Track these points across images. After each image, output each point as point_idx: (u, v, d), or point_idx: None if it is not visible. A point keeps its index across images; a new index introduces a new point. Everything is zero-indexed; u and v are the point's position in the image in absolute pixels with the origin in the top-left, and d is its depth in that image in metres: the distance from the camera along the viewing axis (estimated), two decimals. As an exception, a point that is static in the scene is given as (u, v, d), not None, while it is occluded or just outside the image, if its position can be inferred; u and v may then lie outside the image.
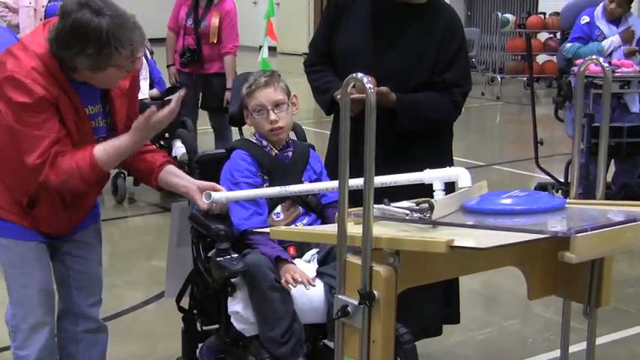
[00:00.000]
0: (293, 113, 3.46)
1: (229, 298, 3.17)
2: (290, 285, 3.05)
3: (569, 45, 6.83)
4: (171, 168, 3.23)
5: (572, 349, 3.00)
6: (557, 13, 12.72)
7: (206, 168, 3.48)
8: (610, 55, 6.70)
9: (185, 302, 3.50)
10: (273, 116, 3.35)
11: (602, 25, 6.79)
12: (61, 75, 2.83)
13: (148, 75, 7.39)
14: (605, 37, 6.75)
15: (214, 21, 7.21)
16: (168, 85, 7.63)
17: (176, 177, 3.21)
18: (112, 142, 2.94)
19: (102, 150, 2.89)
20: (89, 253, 3.25)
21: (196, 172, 3.47)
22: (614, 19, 6.81)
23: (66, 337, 3.30)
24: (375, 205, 2.30)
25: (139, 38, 2.78)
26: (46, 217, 3.03)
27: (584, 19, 6.81)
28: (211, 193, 3.13)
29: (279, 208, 3.35)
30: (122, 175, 7.05)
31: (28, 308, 3.09)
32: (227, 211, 3.28)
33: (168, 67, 7.55)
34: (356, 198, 2.32)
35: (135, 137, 2.93)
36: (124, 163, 3.28)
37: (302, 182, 3.36)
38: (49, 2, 7.15)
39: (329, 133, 3.93)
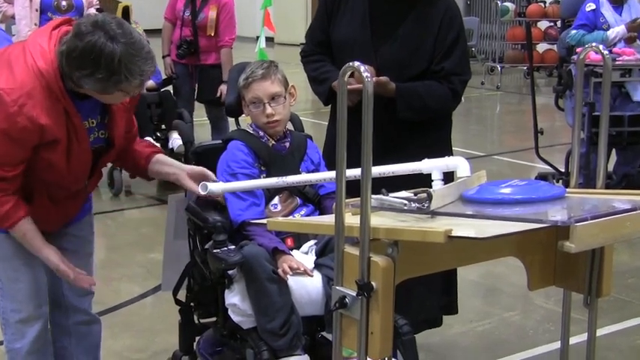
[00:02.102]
0: (291, 104, 3.45)
1: (226, 291, 3.16)
2: (287, 275, 3.05)
3: (573, 32, 6.81)
4: (160, 156, 3.24)
5: (573, 340, 3.00)
6: (557, 2, 12.73)
7: (203, 159, 3.47)
8: (614, 45, 6.69)
9: (182, 295, 3.50)
10: (269, 110, 3.34)
11: (608, 13, 6.77)
12: (63, 92, 2.78)
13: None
14: (609, 26, 6.73)
15: (212, 14, 7.20)
16: (164, 77, 7.62)
17: (165, 165, 3.22)
18: (37, 237, 2.96)
19: (23, 229, 2.93)
20: (80, 246, 3.24)
21: (193, 164, 3.46)
22: (618, 4, 6.79)
23: (58, 330, 3.30)
24: (373, 196, 2.30)
25: (150, 69, 2.74)
26: (35, 213, 3.01)
27: (590, 6, 6.79)
28: (207, 184, 3.13)
29: (276, 199, 3.35)
30: (118, 168, 7.04)
31: (19, 302, 3.09)
32: (223, 201, 3.28)
33: (163, 57, 7.53)
34: (354, 188, 2.32)
35: (46, 258, 2.98)
36: (115, 162, 3.28)
37: (300, 173, 3.35)
38: (44, -7, 7.13)
39: (327, 123, 3.93)
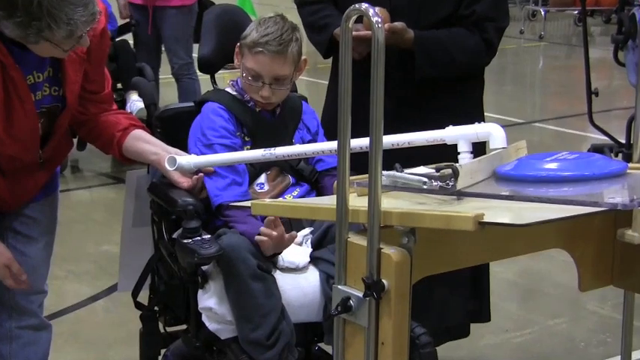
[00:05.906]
0: (294, 79, 3.43)
1: (200, 291, 3.18)
2: (264, 237, 3.06)
3: (637, -37, 6.80)
4: (139, 132, 3.26)
5: (636, 355, 3.02)
6: None
7: (169, 126, 3.48)
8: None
9: (144, 297, 3.52)
10: (266, 92, 3.32)
11: None
12: None
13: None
14: (686, -45, 6.73)
15: None
16: (120, 23, 7.62)
17: (146, 143, 3.24)
18: None
19: None
20: (37, 232, 3.28)
21: (157, 132, 3.47)
22: None
23: None
24: (384, 172, 2.31)
25: (81, 18, 2.74)
26: None
27: None
28: (176, 157, 3.14)
29: (263, 178, 3.36)
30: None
31: None
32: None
33: None
34: (360, 163, 2.33)
35: None
36: (79, 131, 3.29)
37: (293, 144, 3.36)
38: None
39: (327, 83, 3.93)
